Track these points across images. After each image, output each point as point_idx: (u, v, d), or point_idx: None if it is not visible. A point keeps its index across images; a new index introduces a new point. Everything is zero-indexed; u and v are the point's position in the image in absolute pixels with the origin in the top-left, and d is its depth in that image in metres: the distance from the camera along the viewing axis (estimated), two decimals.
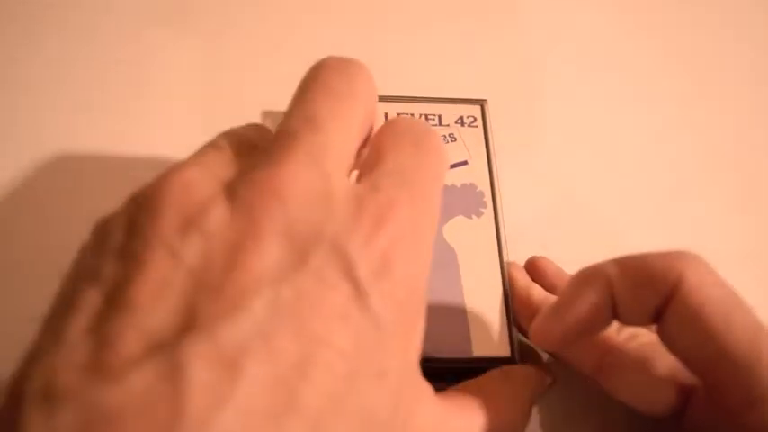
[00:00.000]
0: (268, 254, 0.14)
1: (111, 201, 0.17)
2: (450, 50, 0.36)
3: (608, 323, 0.21)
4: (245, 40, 0.36)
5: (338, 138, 0.17)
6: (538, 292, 0.25)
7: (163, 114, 0.33)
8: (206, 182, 0.15)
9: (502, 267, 0.25)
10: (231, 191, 0.15)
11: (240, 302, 0.13)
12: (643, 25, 0.39)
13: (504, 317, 0.24)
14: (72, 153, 0.31)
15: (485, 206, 0.26)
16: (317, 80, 0.18)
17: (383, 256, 0.15)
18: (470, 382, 0.22)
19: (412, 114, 0.29)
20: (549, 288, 0.25)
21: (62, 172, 0.31)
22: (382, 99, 0.30)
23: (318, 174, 0.15)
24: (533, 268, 0.26)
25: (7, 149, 0.31)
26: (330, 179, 0.16)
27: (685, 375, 0.21)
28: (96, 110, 0.33)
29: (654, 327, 0.21)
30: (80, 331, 0.13)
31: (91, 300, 0.13)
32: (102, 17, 0.36)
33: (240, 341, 0.12)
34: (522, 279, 0.25)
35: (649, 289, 0.19)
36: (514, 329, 0.24)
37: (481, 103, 0.29)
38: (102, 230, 0.15)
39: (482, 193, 0.27)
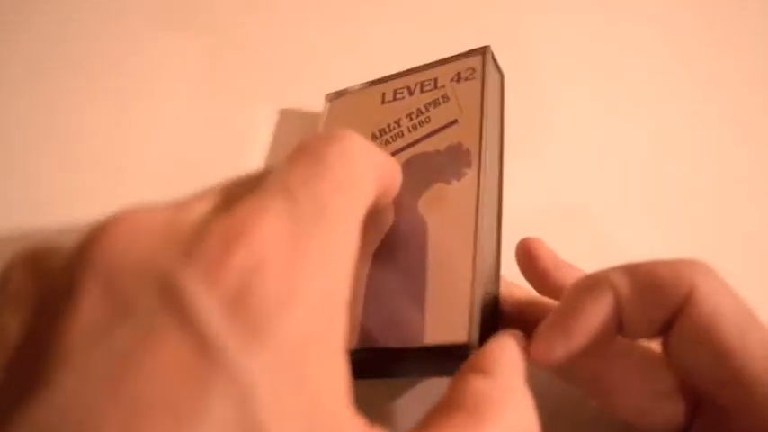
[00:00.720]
0: (84, 311, 0.11)
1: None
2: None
3: (614, 337, 0.18)
4: (238, 40, 0.35)
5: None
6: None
7: (161, 116, 0.32)
8: (53, 251, 0.13)
9: (476, 235, 0.20)
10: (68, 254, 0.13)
11: (50, 376, 0.10)
12: None
13: (469, 295, 0.19)
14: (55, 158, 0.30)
15: (469, 166, 0.22)
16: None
17: (240, 285, 0.11)
18: (442, 403, 0.16)
19: (408, 87, 0.26)
20: (540, 275, 0.22)
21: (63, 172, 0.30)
22: (376, 83, 0.28)
23: (161, 211, 0.13)
24: (525, 252, 0.22)
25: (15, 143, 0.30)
26: (177, 214, 0.13)
27: (692, 391, 0.19)
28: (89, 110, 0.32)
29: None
30: None
31: None
32: (95, 17, 0.35)
33: (50, 427, 0.10)
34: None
35: (659, 299, 0.17)
36: (478, 309, 0.19)
37: (482, 51, 0.25)
38: None
39: (468, 152, 0.22)
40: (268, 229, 0.12)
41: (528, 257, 0.22)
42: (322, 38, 0.35)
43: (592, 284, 0.18)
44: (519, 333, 0.18)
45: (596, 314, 0.17)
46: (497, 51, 0.26)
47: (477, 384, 0.15)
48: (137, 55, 0.33)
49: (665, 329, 0.18)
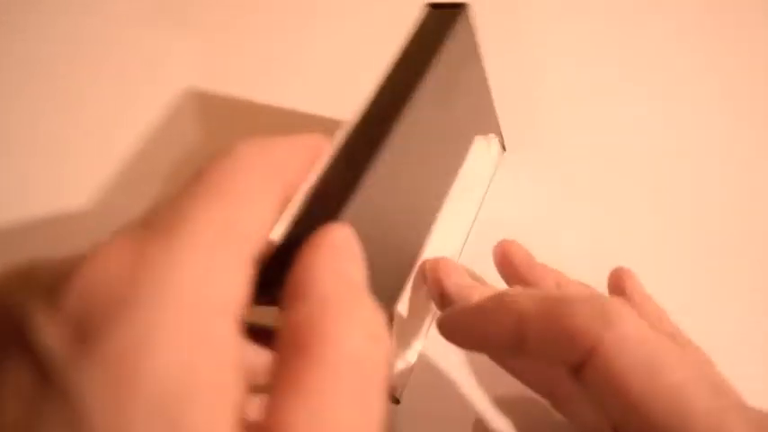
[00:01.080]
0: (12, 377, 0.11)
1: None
2: None
3: (514, 354, 0.19)
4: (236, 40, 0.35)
5: None
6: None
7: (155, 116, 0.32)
8: None
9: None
10: None
11: None
12: None
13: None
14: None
15: None
16: None
17: (79, 301, 0.11)
18: (276, 350, 0.12)
19: None
20: (515, 277, 0.23)
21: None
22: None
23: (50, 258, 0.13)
24: (500, 255, 0.24)
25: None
26: (56, 258, 0.13)
27: None
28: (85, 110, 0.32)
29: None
30: None
31: None
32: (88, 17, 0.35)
33: None
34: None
35: (563, 347, 0.17)
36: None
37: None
38: None
39: None
40: (116, 245, 0.11)
41: (503, 260, 0.24)
42: (321, 36, 0.35)
43: (500, 303, 0.19)
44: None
45: (492, 331, 0.18)
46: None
47: (294, 316, 0.12)
48: (130, 54, 0.34)
49: (575, 369, 0.17)
